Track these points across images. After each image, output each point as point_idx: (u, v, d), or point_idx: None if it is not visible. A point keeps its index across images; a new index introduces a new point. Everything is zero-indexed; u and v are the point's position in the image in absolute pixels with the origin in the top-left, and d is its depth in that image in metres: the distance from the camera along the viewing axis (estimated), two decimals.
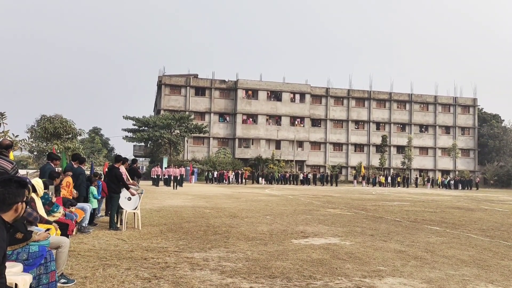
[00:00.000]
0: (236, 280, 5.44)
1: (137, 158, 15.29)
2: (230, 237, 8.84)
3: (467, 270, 6.45)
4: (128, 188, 9.34)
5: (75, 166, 9.72)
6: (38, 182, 6.23)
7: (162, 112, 56.39)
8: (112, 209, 9.44)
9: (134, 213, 9.71)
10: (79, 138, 34.36)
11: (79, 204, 8.69)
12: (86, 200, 10.07)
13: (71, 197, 8.61)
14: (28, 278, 3.72)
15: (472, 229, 11.42)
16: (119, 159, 10.33)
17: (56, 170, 8.70)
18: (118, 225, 9.56)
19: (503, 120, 71.44)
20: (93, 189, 10.34)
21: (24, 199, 3.14)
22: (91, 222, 9.80)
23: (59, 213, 6.71)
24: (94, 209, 10.36)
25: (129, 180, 10.45)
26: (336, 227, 11.11)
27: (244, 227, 10.39)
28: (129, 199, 9.48)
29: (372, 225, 11.66)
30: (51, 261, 4.31)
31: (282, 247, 7.84)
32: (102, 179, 12.15)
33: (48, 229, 4.94)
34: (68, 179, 8.71)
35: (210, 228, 10.11)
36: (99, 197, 10.74)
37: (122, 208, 9.48)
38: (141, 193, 9.85)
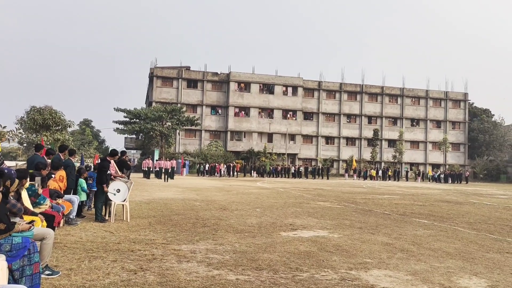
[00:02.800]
0: (222, 272, 5.44)
1: (126, 150, 15.16)
2: (219, 229, 8.85)
3: (452, 262, 6.51)
4: (101, 183, 9.27)
5: (63, 157, 9.63)
6: None
7: (153, 104, 56.08)
8: (98, 201, 9.38)
9: (122, 205, 9.67)
10: (69, 130, 34.05)
11: (67, 196, 8.63)
12: (75, 192, 10.01)
13: (63, 190, 8.55)
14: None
15: (459, 222, 11.54)
16: (114, 153, 10.21)
17: (46, 162, 8.62)
18: (107, 217, 9.51)
19: (493, 115, 72.07)
20: (82, 182, 10.28)
21: (1, 189, 3.10)
22: (79, 214, 9.75)
23: (46, 205, 6.66)
24: (82, 202, 10.31)
25: (118, 172, 10.39)
26: (325, 220, 11.16)
27: (233, 220, 10.40)
28: (118, 191, 9.43)
29: (361, 218, 11.73)
30: (34, 252, 4.28)
31: (270, 240, 7.86)
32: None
33: (32, 221, 4.90)
34: (62, 173, 8.64)
35: (199, 220, 10.11)
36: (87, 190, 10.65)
37: (111, 200, 9.43)
38: (128, 184, 9.80)
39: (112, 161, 10.11)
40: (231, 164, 48.59)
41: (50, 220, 6.27)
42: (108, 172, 9.47)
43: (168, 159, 37.06)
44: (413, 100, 68.07)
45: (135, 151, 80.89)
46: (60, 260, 5.72)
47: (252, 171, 50.84)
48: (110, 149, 11.06)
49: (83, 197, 10.25)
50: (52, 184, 7.88)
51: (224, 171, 47.10)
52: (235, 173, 47.59)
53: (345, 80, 66.50)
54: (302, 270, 5.69)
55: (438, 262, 6.51)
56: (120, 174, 10.38)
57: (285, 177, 49.62)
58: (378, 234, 8.97)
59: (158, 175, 35.38)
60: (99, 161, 11.70)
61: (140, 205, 12.95)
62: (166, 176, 32.05)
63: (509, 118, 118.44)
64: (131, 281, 4.88)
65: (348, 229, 9.64)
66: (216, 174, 46.40)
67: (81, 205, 10.30)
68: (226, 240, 7.62)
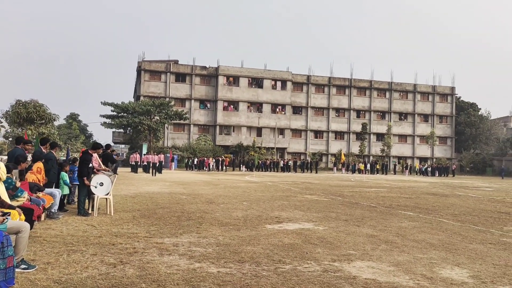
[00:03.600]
0: (204, 265, 5.37)
1: (111, 144, 14.96)
2: (204, 222, 8.77)
3: (435, 253, 6.52)
4: (82, 177, 9.13)
5: (45, 150, 9.46)
6: (0, 166, 6.02)
7: (141, 98, 55.60)
8: (81, 195, 9.23)
9: (106, 199, 9.54)
10: (55, 124, 33.61)
11: (48, 190, 8.48)
12: (57, 186, 9.85)
13: (42, 183, 8.39)
14: None
15: (444, 214, 11.60)
16: (96, 146, 10.08)
17: (26, 155, 8.45)
18: (90, 211, 9.37)
19: (480, 109, 72.64)
20: (64, 175, 10.11)
21: None
22: (62, 208, 9.60)
23: (23, 198, 6.52)
24: (65, 195, 10.15)
25: (101, 166, 10.24)
26: (311, 212, 11.15)
27: (218, 213, 10.33)
28: (101, 184, 9.30)
29: (347, 211, 11.74)
30: (8, 246, 4.17)
31: (254, 232, 7.81)
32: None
33: (5, 213, 4.78)
34: (39, 165, 8.47)
35: (184, 214, 10.02)
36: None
37: (94, 194, 9.29)
38: (111, 177, 9.67)
39: (95, 155, 9.97)
40: (220, 158, 48.43)
41: (29, 214, 6.13)
42: (91, 165, 9.32)
43: (156, 153, 36.76)
44: (401, 94, 68.42)
45: (123, 145, 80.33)
46: (38, 254, 5.60)
47: (241, 165, 50.76)
48: (92, 142, 10.90)
49: (66, 190, 10.09)
50: (30, 176, 7.71)
51: (213, 166, 46.93)
52: (224, 168, 47.46)
53: (334, 74, 66.65)
54: (285, 262, 5.65)
55: (421, 253, 6.51)
56: (103, 168, 10.23)
57: (274, 171, 49.62)
58: (363, 226, 8.97)
59: (146, 169, 35.12)
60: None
61: (125, 199, 12.82)
62: (154, 171, 31.84)
63: (496, 112, 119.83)
64: (110, 274, 4.79)
65: (333, 221, 9.63)
66: (204, 168, 46.23)
67: (64, 199, 10.15)
68: (210, 233, 7.55)
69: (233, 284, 4.63)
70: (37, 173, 8.21)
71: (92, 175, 9.39)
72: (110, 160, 13.41)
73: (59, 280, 4.52)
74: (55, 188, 9.46)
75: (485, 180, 42.04)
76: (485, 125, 69.35)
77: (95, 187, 9.16)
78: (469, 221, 10.44)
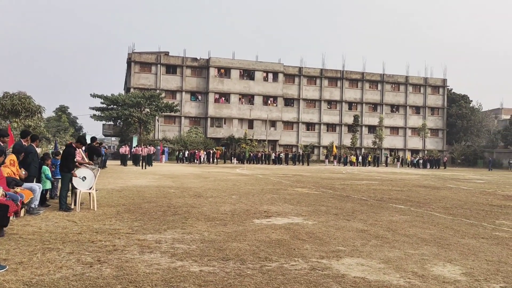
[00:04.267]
0: (186, 263, 5.13)
1: (96, 136, 14.62)
2: (190, 217, 8.52)
3: (427, 249, 6.33)
4: (64, 171, 8.83)
5: (25, 144, 9.12)
6: None
7: (132, 90, 54.95)
8: (63, 189, 8.92)
9: (89, 193, 9.24)
10: (44, 116, 33.01)
11: (27, 184, 8.16)
12: (38, 180, 9.52)
13: (18, 176, 8.05)
14: None
15: (436, 207, 11.45)
16: (81, 140, 9.75)
17: (2, 148, 8.11)
18: (72, 206, 9.07)
19: (471, 101, 72.80)
20: (46, 169, 9.77)
21: None
22: (43, 203, 9.29)
23: None
24: (47, 190, 9.83)
25: (84, 159, 9.92)
26: (301, 206, 10.94)
27: (206, 207, 10.09)
28: (84, 178, 8.99)
29: (337, 204, 11.55)
30: None
31: (242, 228, 7.57)
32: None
33: None
34: (12, 157, 8.12)
35: (170, 208, 9.76)
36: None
37: (76, 188, 8.98)
38: (95, 171, 9.36)
39: (79, 148, 9.65)
40: (211, 151, 48.10)
41: (2, 210, 5.83)
42: (74, 159, 9.00)
43: (146, 146, 36.34)
44: (393, 86, 68.36)
45: (114, 138, 79.61)
46: (11, 252, 5.32)
47: (233, 157, 50.48)
48: (78, 136, 10.56)
49: (47, 185, 9.76)
50: (4, 170, 7.38)
51: (204, 158, 46.59)
52: (215, 160, 47.15)
53: (326, 66, 66.37)
54: (271, 260, 5.42)
55: (412, 249, 6.32)
56: (86, 161, 9.91)
57: (265, 163, 49.43)
58: (353, 221, 8.78)
59: (135, 162, 34.73)
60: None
61: (111, 193, 12.51)
62: (143, 163, 31.46)
63: (487, 104, 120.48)
64: (85, 275, 4.52)
65: (323, 215, 9.43)
66: (195, 161, 45.89)
67: (46, 193, 9.83)
68: (195, 229, 7.30)
69: (215, 284, 4.39)
70: (11, 166, 7.87)
71: (75, 169, 9.08)
72: (95, 153, 13.10)
73: (30, 282, 4.25)
74: (36, 182, 9.14)
75: (476, 172, 42.18)
76: (476, 117, 69.53)
77: (83, 180, 8.85)
78: (461, 214, 10.29)
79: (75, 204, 9.06)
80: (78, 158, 9.39)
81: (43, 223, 7.43)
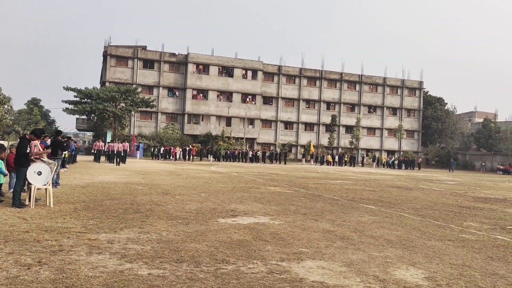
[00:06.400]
0: (135, 265, 4.79)
1: (61, 130, 14.05)
2: (151, 216, 8.15)
3: (392, 251, 6.14)
4: (17, 165, 8.36)
5: None
6: None
7: (107, 84, 53.78)
8: (17, 184, 8.43)
9: (46, 189, 8.76)
10: (14, 108, 31.94)
11: None
12: None
13: None
14: None
15: (406, 208, 11.36)
16: (36, 132, 9.22)
17: None
18: (26, 202, 8.59)
19: (446, 103, 73.89)
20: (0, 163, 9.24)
21: None
22: None
23: None
24: (0, 184, 9.30)
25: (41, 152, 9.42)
26: (270, 205, 10.69)
27: (171, 205, 9.73)
28: (39, 173, 8.52)
29: (308, 204, 11.35)
30: None
31: (204, 227, 7.26)
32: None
33: None
34: None
35: (133, 206, 9.37)
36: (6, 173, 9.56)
37: (31, 184, 8.50)
38: (52, 166, 8.89)
39: (36, 141, 9.16)
40: (187, 148, 47.46)
41: None
42: (28, 151, 8.51)
43: (120, 141, 35.49)
44: (371, 87, 68.87)
45: (89, 133, 77.84)
46: None
47: (209, 155, 49.97)
48: (33, 128, 10.02)
49: (1, 179, 9.23)
50: None
51: (179, 155, 45.94)
52: (191, 157, 46.56)
53: (305, 66, 66.36)
54: (228, 262, 5.13)
55: (377, 251, 6.12)
56: (42, 155, 9.41)
57: (242, 161, 49.11)
58: (321, 221, 8.56)
59: (109, 158, 33.88)
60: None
61: (74, 189, 12.00)
62: (117, 160, 30.69)
63: (461, 107, 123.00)
64: (19, 278, 4.14)
65: (291, 215, 9.19)
66: (171, 157, 45.21)
67: (0, 188, 9.30)
68: (154, 228, 6.95)
69: None
70: None
71: (31, 163, 8.59)
72: (60, 147, 12.56)
73: None
74: None
75: (449, 174, 42.83)
76: (450, 120, 70.66)
77: (38, 175, 8.36)
78: (430, 215, 10.20)
79: (29, 200, 8.57)
80: (33, 151, 8.90)
81: None
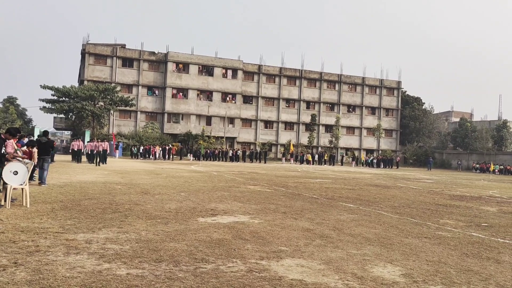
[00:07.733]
0: (114, 265, 4.75)
1: (48, 130, 13.92)
2: (130, 215, 8.08)
3: (370, 249, 6.24)
4: None
5: None
6: None
7: (85, 82, 53.00)
8: None
9: (22, 189, 8.59)
10: None
11: None
12: None
13: None
14: None
15: (384, 207, 11.54)
16: (11, 131, 9.04)
17: None
18: (2, 203, 8.41)
19: (424, 103, 75.30)
20: None
21: None
22: None
23: None
24: None
25: (17, 153, 9.23)
26: (250, 204, 10.71)
27: (150, 205, 9.65)
28: (16, 173, 8.35)
29: (287, 203, 11.41)
30: None
31: (183, 227, 7.23)
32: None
33: None
34: None
35: (112, 205, 9.26)
36: None
37: (7, 184, 8.32)
38: (28, 165, 8.72)
39: (11, 140, 8.97)
40: (167, 147, 47.12)
41: None
42: (3, 151, 8.33)
43: (99, 140, 34.96)
44: (350, 86, 69.59)
45: (68, 132, 76.46)
46: None
47: (189, 154, 49.70)
48: (8, 127, 9.83)
49: None
50: None
51: (159, 154, 45.56)
52: (171, 156, 46.24)
53: (285, 65, 66.65)
54: (207, 261, 5.13)
55: (355, 248, 6.21)
56: (19, 154, 9.23)
57: (222, 160, 49.02)
58: (300, 219, 8.63)
59: (89, 158, 33.31)
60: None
61: (51, 189, 11.80)
62: (98, 159, 30.19)
63: (438, 106, 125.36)
64: None
65: (271, 214, 9.23)
66: (150, 157, 44.81)
67: None
68: (133, 228, 6.90)
69: None
70: None
71: (6, 163, 8.41)
72: (52, 147, 12.58)
73: None
74: None
75: (427, 172, 43.62)
76: (428, 119, 72.01)
77: (14, 174, 8.19)
78: (408, 213, 10.39)
79: (5, 200, 8.39)
80: (10, 150, 8.72)
81: None
